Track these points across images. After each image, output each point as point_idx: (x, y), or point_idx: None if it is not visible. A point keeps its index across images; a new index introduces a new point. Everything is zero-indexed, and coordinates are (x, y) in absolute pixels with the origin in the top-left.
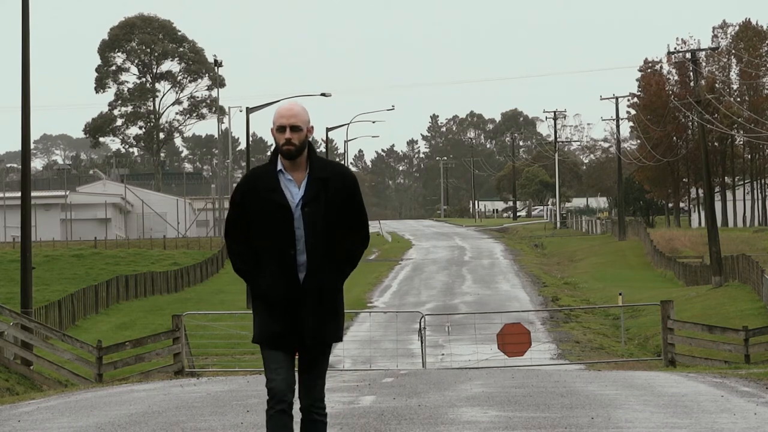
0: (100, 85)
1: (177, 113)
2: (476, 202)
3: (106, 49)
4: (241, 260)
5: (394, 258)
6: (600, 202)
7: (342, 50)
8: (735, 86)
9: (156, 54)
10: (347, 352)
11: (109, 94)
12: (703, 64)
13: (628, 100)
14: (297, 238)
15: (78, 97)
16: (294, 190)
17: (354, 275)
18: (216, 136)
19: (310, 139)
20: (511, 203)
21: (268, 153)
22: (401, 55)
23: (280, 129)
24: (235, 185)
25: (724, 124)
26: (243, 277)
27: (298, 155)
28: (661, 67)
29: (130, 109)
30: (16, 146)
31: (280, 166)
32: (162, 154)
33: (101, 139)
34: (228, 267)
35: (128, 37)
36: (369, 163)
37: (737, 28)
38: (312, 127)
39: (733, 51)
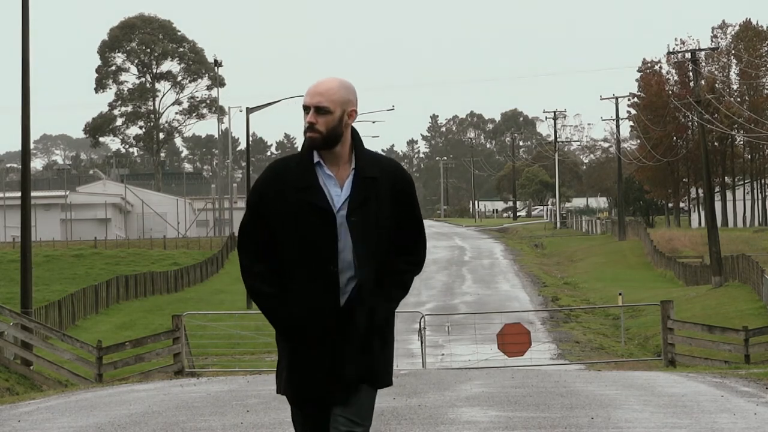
0: (100, 85)
1: (177, 113)
2: (476, 202)
3: (105, 49)
4: (262, 282)
5: None
6: (600, 202)
7: (342, 50)
8: (735, 86)
9: (156, 54)
10: None
11: (109, 94)
12: (703, 64)
13: (628, 100)
14: (338, 251)
15: (78, 97)
16: (335, 191)
17: None
18: (216, 136)
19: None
20: (511, 203)
21: (269, 153)
22: (401, 55)
23: (305, 109)
24: (252, 184)
25: (724, 124)
26: (264, 304)
27: (324, 146)
28: (660, 67)
29: (130, 109)
30: (16, 146)
31: (317, 157)
32: (162, 154)
33: (101, 139)
34: (228, 267)
35: (128, 37)
36: None
37: (737, 28)
38: (354, 111)
39: (733, 51)
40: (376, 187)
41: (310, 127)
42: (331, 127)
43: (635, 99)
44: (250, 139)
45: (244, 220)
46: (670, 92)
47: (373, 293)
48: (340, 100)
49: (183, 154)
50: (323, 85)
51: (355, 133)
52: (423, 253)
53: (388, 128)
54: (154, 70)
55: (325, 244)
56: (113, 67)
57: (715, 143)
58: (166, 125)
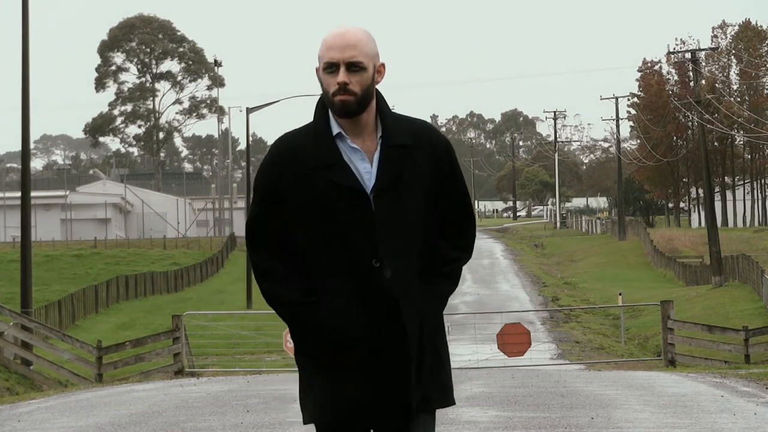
0: (100, 85)
1: (177, 113)
2: (476, 202)
3: (105, 49)
4: (284, 286)
5: None
6: (600, 202)
7: None
8: (735, 86)
9: (156, 54)
10: None
11: (109, 94)
12: (703, 64)
13: (628, 100)
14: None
15: (78, 97)
16: (363, 166)
17: None
18: (216, 136)
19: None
20: (511, 203)
21: None
22: (401, 55)
23: (329, 68)
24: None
25: (724, 124)
26: (288, 313)
27: (359, 111)
28: (660, 67)
29: (129, 108)
30: (16, 146)
31: (336, 128)
32: (162, 154)
33: (101, 139)
34: (228, 267)
35: (128, 37)
36: None
37: (737, 28)
38: (383, 65)
39: (733, 51)
40: (411, 156)
41: (342, 89)
42: (365, 86)
43: (635, 99)
44: (250, 139)
45: (254, 211)
46: (670, 92)
47: (420, 290)
48: (371, 53)
49: (183, 154)
50: (352, 35)
51: (378, 95)
52: (473, 235)
53: None
54: (154, 70)
55: (361, 234)
56: (113, 67)
57: (715, 143)
58: (166, 125)
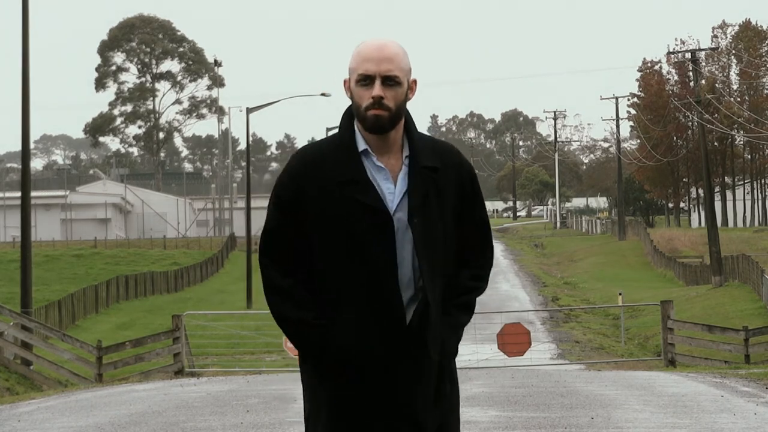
0: (100, 85)
1: (177, 113)
2: None
3: (105, 48)
4: (297, 305)
5: None
6: (600, 202)
7: (342, 50)
8: (735, 86)
9: (156, 54)
10: None
11: (109, 94)
12: (703, 64)
13: (628, 100)
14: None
15: (78, 97)
16: (387, 186)
17: None
18: (216, 136)
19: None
20: (511, 203)
21: (268, 153)
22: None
23: (363, 80)
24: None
25: (724, 124)
26: (298, 333)
27: (391, 128)
28: (660, 67)
29: (129, 108)
30: (16, 146)
31: (363, 144)
32: (162, 154)
33: (101, 139)
34: (228, 267)
35: (128, 37)
36: None
37: (737, 28)
38: (415, 82)
39: (733, 51)
40: (437, 179)
41: (377, 103)
42: (399, 102)
43: (635, 99)
44: (250, 139)
45: (270, 222)
46: (670, 92)
47: (441, 319)
48: (406, 69)
49: (183, 154)
50: (389, 49)
51: (407, 113)
52: (490, 264)
53: None
54: (154, 70)
55: (382, 255)
56: (113, 67)
57: (715, 143)
58: (166, 125)
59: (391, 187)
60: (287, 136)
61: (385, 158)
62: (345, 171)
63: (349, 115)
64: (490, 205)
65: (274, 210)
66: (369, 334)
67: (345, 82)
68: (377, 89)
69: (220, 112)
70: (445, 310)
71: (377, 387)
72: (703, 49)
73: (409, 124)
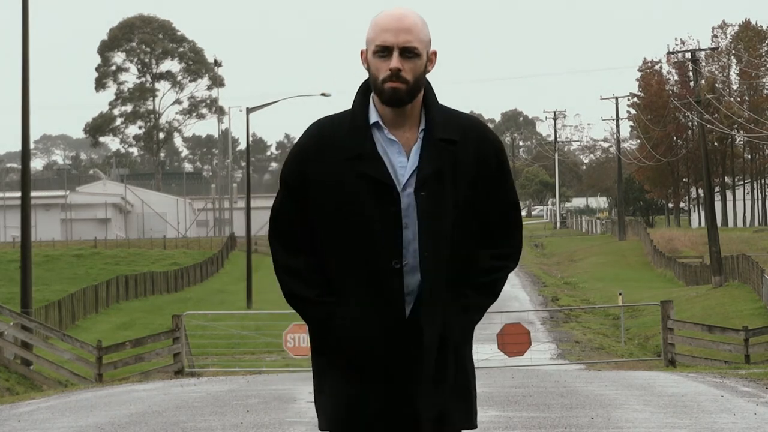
0: (100, 85)
1: (177, 113)
2: None
3: (105, 48)
4: (304, 283)
5: None
6: (600, 202)
7: (342, 50)
8: (735, 86)
9: (156, 54)
10: None
11: (109, 94)
12: (703, 64)
13: (628, 100)
14: (404, 243)
15: (78, 97)
16: (398, 160)
17: None
18: (216, 136)
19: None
20: None
21: (268, 153)
22: None
23: (381, 51)
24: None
25: (724, 124)
26: (308, 312)
27: (409, 100)
28: (660, 67)
29: (129, 108)
30: (16, 146)
31: (375, 117)
32: (162, 154)
33: (101, 139)
34: (228, 267)
35: (128, 37)
36: None
37: (737, 28)
38: (435, 54)
39: (733, 51)
40: (455, 153)
41: (395, 75)
42: (418, 74)
43: (635, 99)
44: (250, 139)
45: (278, 201)
46: (670, 92)
47: (447, 301)
48: (426, 40)
49: (183, 154)
50: (409, 19)
51: (428, 85)
52: (519, 243)
53: None
54: (154, 70)
55: (386, 232)
56: (113, 67)
57: (715, 143)
58: (166, 125)
59: (404, 161)
60: (287, 136)
61: (400, 131)
62: (354, 145)
63: (363, 89)
64: None
65: (284, 187)
66: (367, 316)
67: (362, 53)
68: (395, 61)
69: (220, 112)
70: (459, 291)
71: (376, 369)
72: (703, 49)
73: (429, 97)
